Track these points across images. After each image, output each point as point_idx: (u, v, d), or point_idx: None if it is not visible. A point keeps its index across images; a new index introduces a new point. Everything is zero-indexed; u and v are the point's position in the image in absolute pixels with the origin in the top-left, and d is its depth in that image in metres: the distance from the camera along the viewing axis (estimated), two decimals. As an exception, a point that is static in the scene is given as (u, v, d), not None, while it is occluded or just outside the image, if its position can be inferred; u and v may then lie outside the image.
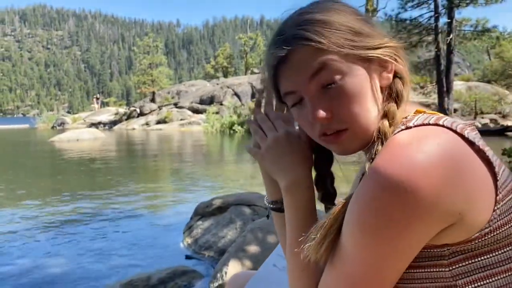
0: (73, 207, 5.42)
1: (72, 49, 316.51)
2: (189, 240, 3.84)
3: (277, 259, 1.25)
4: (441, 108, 17.20)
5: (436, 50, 17.88)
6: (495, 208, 0.65)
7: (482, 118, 23.71)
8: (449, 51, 17.80)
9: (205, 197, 5.41)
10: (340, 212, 0.70)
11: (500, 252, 0.66)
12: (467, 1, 17.39)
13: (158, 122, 31.35)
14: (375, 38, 0.73)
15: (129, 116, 35.27)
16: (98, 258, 3.52)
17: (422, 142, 0.63)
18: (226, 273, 2.68)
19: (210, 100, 32.96)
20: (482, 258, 0.65)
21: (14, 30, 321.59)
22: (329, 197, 0.89)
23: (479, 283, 0.66)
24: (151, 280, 2.83)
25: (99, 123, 35.42)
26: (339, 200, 0.74)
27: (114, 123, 35.11)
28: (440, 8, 17.93)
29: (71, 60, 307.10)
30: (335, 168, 0.92)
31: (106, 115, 37.32)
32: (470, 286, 0.66)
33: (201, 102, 33.56)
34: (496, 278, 0.66)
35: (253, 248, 2.89)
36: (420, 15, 18.79)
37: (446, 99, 17.73)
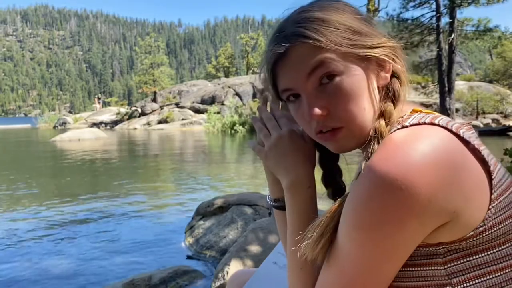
0: (74, 207, 5.43)
1: (73, 49, 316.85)
2: (190, 240, 3.85)
3: (277, 257, 1.26)
4: (443, 108, 17.18)
5: (437, 50, 17.86)
6: (490, 206, 0.65)
7: (484, 118, 23.70)
8: (451, 51, 17.77)
9: (206, 196, 5.42)
10: (336, 211, 0.71)
11: (494, 250, 0.66)
12: (469, 1, 17.36)
13: (160, 122, 31.36)
14: (373, 37, 0.74)
15: (130, 116, 35.30)
16: (99, 258, 3.52)
17: (417, 141, 0.63)
18: (227, 272, 2.68)
19: (212, 100, 32.97)
20: (477, 256, 0.66)
21: (16, 30, 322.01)
22: (339, 192, 0.90)
23: (474, 281, 0.66)
24: (153, 280, 2.83)
25: (101, 123, 35.44)
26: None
27: (115, 123, 35.13)
28: (442, 7, 17.91)
29: (73, 60, 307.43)
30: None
31: (108, 115, 37.33)
32: (465, 284, 0.66)
33: (203, 102, 33.57)
34: (491, 276, 0.66)
35: (254, 248, 2.89)
36: (422, 15, 18.78)
37: (447, 99, 17.71)
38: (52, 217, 4.90)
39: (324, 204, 0.91)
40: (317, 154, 0.90)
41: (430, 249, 0.66)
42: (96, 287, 2.95)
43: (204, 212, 4.20)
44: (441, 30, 17.72)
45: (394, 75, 0.78)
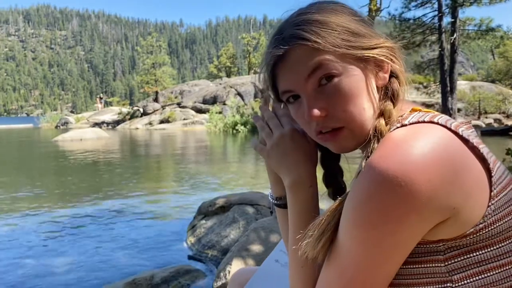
0: (76, 206, 5.44)
1: (75, 49, 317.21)
2: (192, 239, 3.85)
3: (279, 255, 1.26)
4: (445, 108, 17.15)
5: (439, 49, 17.81)
6: (490, 203, 0.66)
7: (486, 118, 23.67)
8: (453, 51, 17.73)
9: (208, 196, 5.42)
10: (337, 209, 0.72)
11: (495, 247, 0.67)
12: (471, 1, 17.32)
13: (161, 122, 31.39)
14: (371, 38, 0.75)
15: (132, 116, 35.34)
16: (101, 257, 3.53)
17: (416, 139, 0.64)
18: (229, 272, 2.68)
19: (213, 100, 32.99)
20: (477, 253, 0.66)
21: (18, 30, 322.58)
22: (339, 192, 0.90)
23: (474, 278, 0.67)
24: (155, 279, 2.84)
25: (103, 122, 35.49)
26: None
27: (117, 122, 35.18)
28: (444, 7, 17.86)
29: (75, 60, 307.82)
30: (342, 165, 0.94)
31: (110, 114, 37.37)
32: (465, 281, 0.67)
33: (204, 102, 33.59)
34: (491, 273, 0.67)
35: (256, 247, 2.90)
36: (424, 15, 18.73)
37: (449, 98, 17.67)
38: (54, 217, 4.92)
39: (325, 204, 0.91)
40: (319, 154, 0.90)
41: (431, 246, 0.67)
42: (98, 286, 2.96)
43: (206, 211, 4.21)
44: (443, 29, 17.68)
45: (393, 75, 0.79)
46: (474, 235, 0.66)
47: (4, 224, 4.63)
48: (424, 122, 0.69)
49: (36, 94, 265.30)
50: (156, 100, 38.77)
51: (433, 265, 0.67)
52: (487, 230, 0.66)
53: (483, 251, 0.66)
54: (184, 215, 4.82)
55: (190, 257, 3.53)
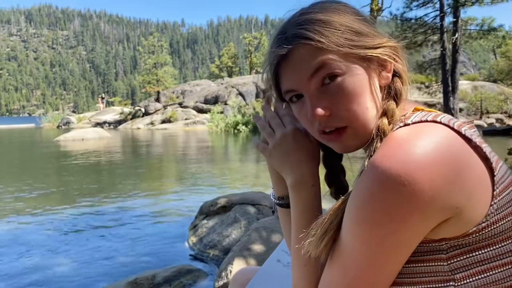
0: (77, 206, 5.45)
1: (77, 49, 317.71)
2: (194, 239, 3.85)
3: (281, 254, 1.26)
4: (447, 108, 17.12)
5: (441, 49, 17.78)
6: (492, 203, 0.66)
7: (488, 117, 23.64)
8: (455, 51, 17.69)
9: (209, 196, 5.42)
10: (339, 209, 0.72)
11: (497, 246, 0.67)
12: (473, 0, 17.27)
13: (163, 122, 31.42)
14: (374, 37, 0.75)
15: (134, 116, 35.37)
16: (103, 257, 3.54)
17: (419, 138, 0.64)
18: (230, 271, 2.69)
19: (215, 100, 33.00)
20: (480, 252, 0.67)
21: (20, 30, 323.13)
22: (342, 191, 0.90)
23: (477, 277, 0.67)
24: (156, 279, 2.84)
25: (104, 122, 35.54)
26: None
27: (119, 122, 35.22)
28: (446, 7, 17.83)
29: (77, 60, 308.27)
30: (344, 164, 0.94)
31: (111, 114, 37.43)
32: (468, 280, 0.67)
33: (206, 101, 33.61)
34: (494, 272, 0.67)
35: (257, 247, 2.90)
36: (426, 14, 18.69)
37: (451, 98, 17.64)
38: (56, 216, 4.93)
39: (328, 203, 0.91)
40: (321, 153, 0.90)
41: (433, 245, 0.67)
42: (100, 285, 2.96)
43: (208, 211, 4.21)
44: (445, 29, 17.65)
45: (395, 74, 0.79)
46: (477, 234, 0.66)
47: (6, 223, 4.64)
48: (427, 121, 0.69)
49: (38, 94, 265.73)
50: (157, 100, 38.81)
51: (436, 263, 0.67)
52: (489, 229, 0.66)
53: (486, 250, 0.66)
54: (186, 214, 4.82)
55: (191, 257, 3.53)
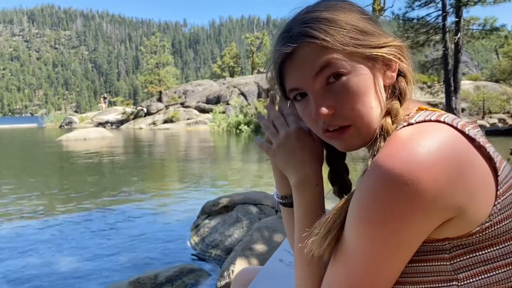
0: (80, 205, 5.46)
1: (79, 49, 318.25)
2: (196, 239, 3.86)
3: (283, 254, 1.26)
4: (449, 108, 17.08)
5: (443, 49, 17.75)
6: (496, 202, 0.66)
7: (490, 117, 23.57)
8: (457, 50, 17.66)
9: (211, 196, 5.43)
10: (342, 208, 0.72)
11: (500, 246, 0.67)
12: (475, 0, 17.25)
13: (165, 122, 31.44)
14: (379, 37, 0.75)
15: (136, 116, 35.41)
16: (105, 256, 3.54)
17: (423, 137, 0.64)
18: (232, 271, 2.69)
19: (217, 100, 33.00)
20: (483, 252, 0.66)
21: (23, 30, 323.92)
22: (345, 190, 0.90)
23: (480, 277, 0.67)
24: (159, 278, 2.85)
25: (107, 122, 35.58)
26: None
27: (121, 122, 35.27)
28: (448, 7, 17.79)
29: (79, 60, 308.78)
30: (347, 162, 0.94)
31: (113, 114, 37.47)
32: (471, 280, 0.67)
33: (208, 101, 33.61)
34: (497, 272, 0.67)
35: (259, 247, 2.90)
36: (428, 14, 18.66)
37: (453, 98, 17.60)
38: (56, 216, 4.94)
39: (331, 203, 0.91)
40: (325, 152, 0.90)
41: (436, 244, 0.67)
42: (102, 285, 2.97)
43: (210, 211, 4.22)
44: (447, 29, 17.61)
45: (400, 73, 0.79)
46: (480, 234, 0.66)
47: (9, 223, 4.65)
48: (430, 121, 0.69)
49: (40, 94, 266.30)
50: (159, 100, 38.84)
51: (439, 263, 0.67)
52: (493, 229, 0.66)
53: (489, 250, 0.66)
54: (188, 214, 4.82)
55: (193, 257, 3.53)
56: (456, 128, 0.67)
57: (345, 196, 0.74)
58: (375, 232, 0.64)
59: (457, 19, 17.49)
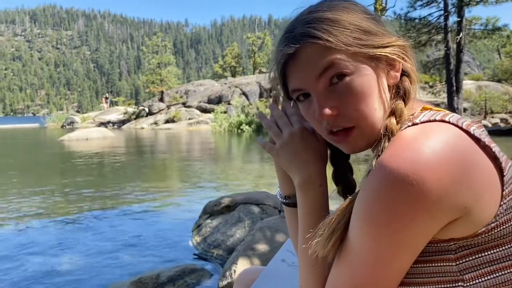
0: (81, 205, 5.47)
1: (81, 49, 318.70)
2: (198, 239, 3.86)
3: (286, 254, 1.26)
4: (451, 108, 17.06)
5: (445, 49, 17.75)
6: (502, 203, 0.66)
7: (492, 117, 23.51)
8: (459, 50, 17.66)
9: (213, 195, 5.43)
10: (347, 209, 0.72)
11: (507, 246, 0.66)
12: (477, 0, 17.23)
13: (167, 122, 31.46)
14: (383, 37, 0.74)
15: (138, 116, 35.44)
16: (107, 256, 3.55)
17: (428, 137, 0.64)
18: (235, 271, 2.69)
19: (218, 100, 33.02)
20: (489, 252, 0.66)
21: (25, 30, 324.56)
22: (349, 190, 0.90)
23: (486, 277, 0.66)
24: (161, 278, 2.85)
25: (108, 122, 35.61)
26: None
27: (123, 122, 35.30)
28: (450, 6, 17.79)
29: (81, 60, 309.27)
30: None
31: (115, 114, 37.51)
32: (477, 280, 0.66)
33: (209, 101, 33.63)
34: (503, 272, 0.66)
35: (262, 247, 2.90)
36: (430, 14, 18.68)
37: (455, 98, 17.60)
38: (58, 215, 4.94)
39: (335, 203, 0.91)
40: (329, 152, 0.90)
41: (442, 245, 0.67)
42: (104, 285, 2.97)
43: (212, 211, 4.22)
44: (449, 29, 17.61)
45: (404, 73, 0.78)
46: (486, 235, 0.65)
47: (10, 223, 4.66)
48: (435, 120, 0.68)
49: (42, 94, 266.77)
50: (161, 99, 38.87)
51: (444, 264, 0.67)
52: (499, 229, 0.66)
53: (495, 251, 0.66)
54: (190, 214, 4.82)
55: (195, 256, 3.54)
56: (461, 128, 0.67)
57: (350, 197, 0.73)
58: (380, 232, 0.64)
59: (459, 19, 17.49)
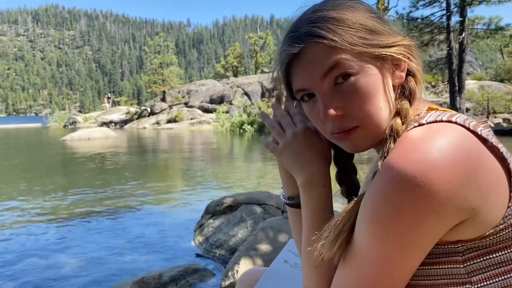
0: (84, 205, 5.47)
1: (83, 49, 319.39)
2: (200, 239, 3.86)
3: (288, 255, 1.26)
4: (453, 108, 17.03)
5: (448, 49, 17.72)
6: (510, 204, 0.65)
7: (495, 117, 23.45)
8: (461, 50, 17.61)
9: (215, 195, 5.43)
10: (352, 210, 0.71)
11: None
12: (480, -1, 17.20)
13: (169, 121, 31.49)
14: (388, 36, 0.73)
15: (140, 115, 35.48)
16: (109, 256, 3.55)
17: (435, 138, 0.63)
18: (237, 271, 2.69)
19: (220, 100, 33.03)
20: (497, 254, 0.65)
21: (27, 30, 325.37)
22: (353, 190, 0.89)
23: (494, 280, 0.66)
24: (163, 278, 2.85)
25: (110, 122, 35.66)
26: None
27: (125, 122, 35.34)
28: (452, 6, 17.75)
29: (83, 60, 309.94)
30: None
31: (117, 114, 37.55)
32: (485, 283, 0.66)
33: (211, 101, 33.65)
34: (511, 274, 0.66)
35: (264, 247, 2.89)
36: (432, 14, 18.64)
37: (458, 98, 17.57)
38: (60, 215, 4.95)
39: (338, 203, 0.91)
40: (332, 152, 0.89)
41: (449, 247, 0.66)
42: (106, 285, 2.97)
43: (214, 211, 4.22)
44: (452, 29, 17.57)
45: (409, 73, 0.77)
46: (494, 236, 0.65)
47: (12, 223, 4.66)
48: (442, 121, 0.67)
49: (45, 93, 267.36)
50: (163, 99, 38.92)
51: (452, 266, 0.67)
52: (507, 231, 0.65)
53: (503, 252, 0.65)
54: (192, 214, 4.82)
55: (197, 256, 3.54)
56: (468, 129, 0.66)
57: (355, 199, 0.73)
58: (386, 233, 0.63)
59: (461, 19, 17.45)
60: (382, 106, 0.73)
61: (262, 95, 32.54)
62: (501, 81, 31.10)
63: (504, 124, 22.03)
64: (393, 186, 0.62)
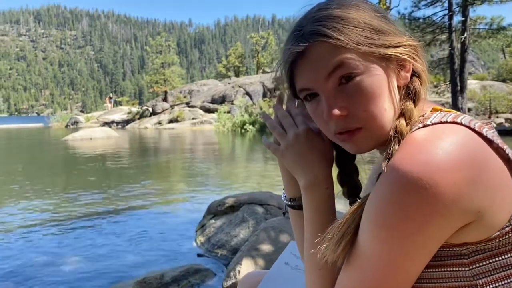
0: (85, 205, 5.48)
1: (85, 49, 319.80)
2: (201, 239, 3.86)
3: (289, 257, 1.25)
4: (455, 108, 16.96)
5: (450, 48, 17.68)
6: None
7: (497, 117, 23.40)
8: (463, 50, 17.58)
9: (217, 196, 5.43)
10: (356, 212, 0.70)
11: None
12: (482, -1, 17.17)
13: (170, 121, 31.52)
14: (394, 36, 0.72)
15: (141, 115, 35.52)
16: (111, 256, 3.55)
17: (440, 140, 0.62)
18: (239, 272, 2.68)
19: (222, 100, 33.04)
20: (503, 257, 0.65)
21: (29, 30, 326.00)
22: (355, 191, 0.88)
23: (499, 283, 0.65)
24: (165, 278, 2.85)
25: (112, 122, 35.70)
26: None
27: (126, 122, 35.39)
28: (454, 6, 17.72)
29: (85, 60, 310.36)
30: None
31: (119, 114, 37.60)
32: (490, 286, 0.65)
33: (213, 101, 33.66)
34: None
35: (266, 247, 2.89)
36: (434, 14, 18.61)
37: (460, 98, 17.53)
38: (62, 215, 4.95)
39: (340, 204, 0.90)
40: (334, 153, 0.88)
41: (455, 249, 0.65)
42: (108, 285, 2.97)
43: (215, 211, 4.22)
44: (454, 28, 17.54)
45: (414, 74, 0.76)
46: (500, 239, 0.64)
47: (12, 222, 4.67)
48: (447, 122, 0.67)
49: (47, 93, 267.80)
50: (165, 99, 38.95)
51: (457, 269, 0.66)
52: None
53: (509, 255, 0.65)
54: (194, 214, 4.82)
55: (199, 256, 3.53)
56: (473, 130, 0.65)
57: (359, 200, 0.72)
58: (391, 235, 0.63)
59: (463, 18, 17.41)
60: (387, 107, 0.72)
61: (264, 95, 32.53)
62: (503, 81, 31.04)
63: (507, 124, 21.99)
64: (398, 188, 0.61)
